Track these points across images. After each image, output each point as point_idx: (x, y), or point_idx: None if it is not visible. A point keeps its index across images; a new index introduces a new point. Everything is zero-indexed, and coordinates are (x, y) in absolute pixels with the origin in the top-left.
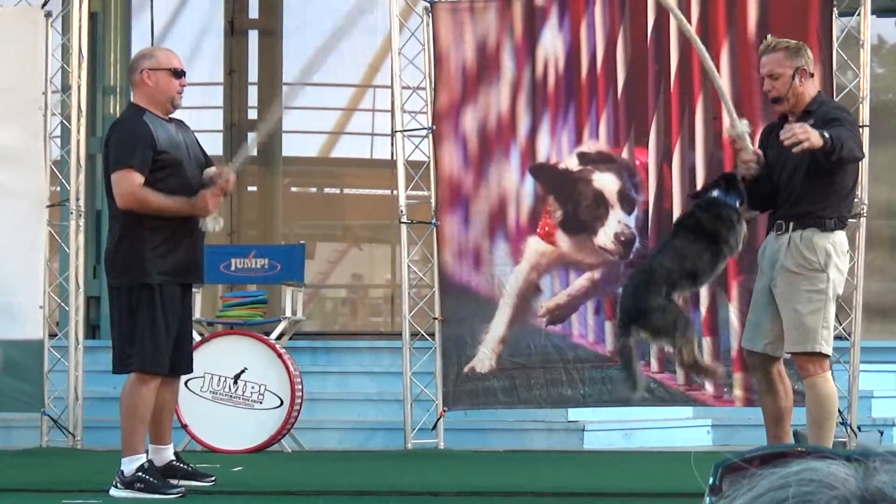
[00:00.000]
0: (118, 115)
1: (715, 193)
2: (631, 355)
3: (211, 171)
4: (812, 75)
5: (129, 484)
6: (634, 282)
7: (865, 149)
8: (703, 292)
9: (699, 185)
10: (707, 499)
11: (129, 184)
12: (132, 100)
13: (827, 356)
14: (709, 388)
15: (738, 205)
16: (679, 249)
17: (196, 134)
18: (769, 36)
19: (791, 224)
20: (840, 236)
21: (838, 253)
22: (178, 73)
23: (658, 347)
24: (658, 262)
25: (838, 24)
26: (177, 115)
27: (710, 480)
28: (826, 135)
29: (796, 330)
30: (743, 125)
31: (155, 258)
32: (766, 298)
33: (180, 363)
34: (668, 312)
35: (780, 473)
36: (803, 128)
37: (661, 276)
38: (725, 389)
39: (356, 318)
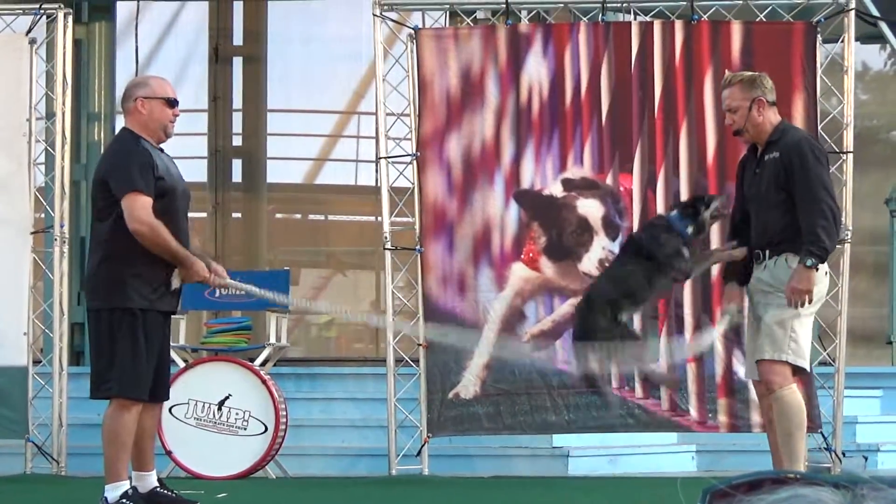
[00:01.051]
0: (103, 141)
1: (672, 214)
2: (595, 378)
3: (197, 246)
4: (773, 104)
5: None
6: (580, 310)
7: (849, 175)
8: (688, 318)
9: None
10: None
11: (144, 209)
12: (125, 126)
13: (793, 367)
14: (693, 413)
15: (688, 231)
16: (616, 273)
17: (180, 160)
18: (727, 72)
19: (767, 252)
20: None
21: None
22: (172, 103)
23: (615, 365)
24: (597, 289)
25: (822, 51)
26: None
27: None
28: (809, 262)
29: (764, 339)
30: (729, 311)
31: (138, 284)
32: (756, 327)
33: (160, 389)
34: (614, 331)
35: (768, 500)
36: (797, 292)
37: (602, 301)
38: (709, 415)
39: (341, 345)
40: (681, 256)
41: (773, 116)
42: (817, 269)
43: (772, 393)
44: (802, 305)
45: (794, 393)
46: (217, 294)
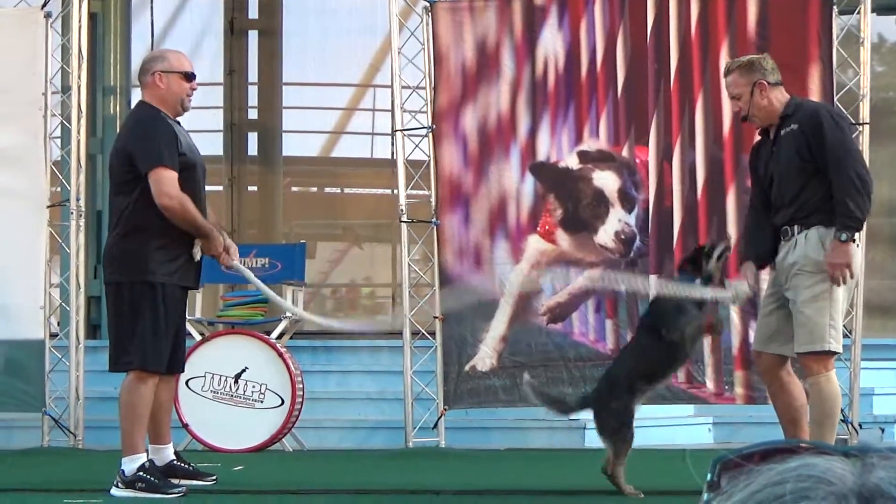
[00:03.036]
0: (118, 115)
1: (678, 278)
2: (568, 410)
3: (214, 220)
4: (777, 83)
5: (130, 483)
6: (599, 386)
7: (865, 146)
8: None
9: (699, 183)
10: (705, 495)
11: (172, 184)
12: (143, 99)
13: (834, 353)
14: (709, 385)
15: (693, 285)
16: (638, 352)
17: (196, 133)
18: (727, 60)
19: (796, 227)
20: None
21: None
22: (190, 76)
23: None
24: (617, 370)
25: (838, 23)
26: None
27: (708, 477)
28: (843, 236)
29: (803, 329)
30: (735, 288)
31: (160, 257)
32: (776, 301)
33: (176, 362)
34: (618, 416)
35: (778, 469)
36: (843, 261)
37: (621, 382)
38: (726, 387)
39: (357, 317)
40: (690, 326)
41: (779, 95)
42: (854, 241)
43: (809, 378)
44: (844, 281)
45: (830, 381)
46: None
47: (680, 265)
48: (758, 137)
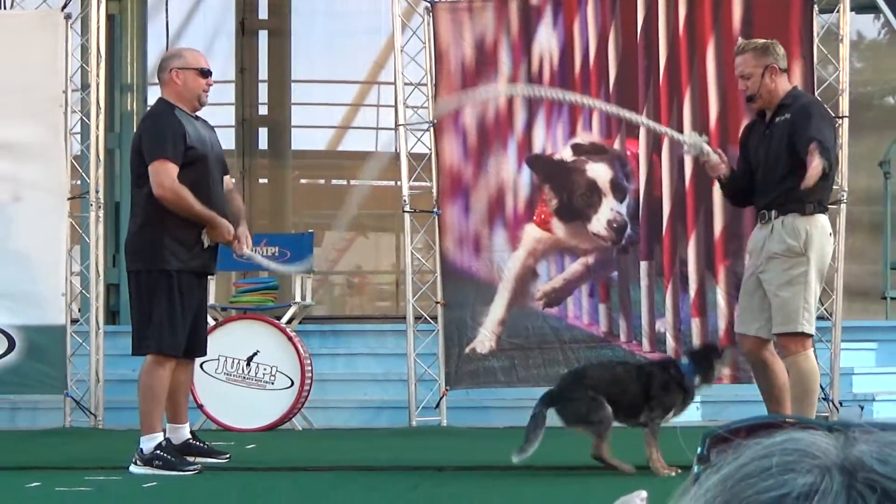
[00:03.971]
0: (135, 111)
1: (684, 363)
2: (538, 422)
3: (239, 207)
4: (784, 71)
5: (147, 461)
6: (566, 379)
7: (845, 139)
8: (692, 276)
9: (687, 173)
10: (695, 468)
11: (168, 175)
12: (161, 96)
13: (809, 335)
14: None
15: (695, 381)
16: (618, 375)
17: None
18: (739, 39)
19: (773, 212)
20: (821, 219)
21: (819, 235)
22: (206, 73)
23: (573, 431)
24: (593, 371)
25: (819, 21)
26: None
27: (699, 451)
28: (826, 162)
29: (780, 312)
30: (693, 138)
31: (174, 246)
32: (755, 284)
33: (195, 346)
34: (583, 403)
35: (765, 444)
36: (817, 169)
37: (588, 380)
38: None
39: (362, 303)
40: (670, 400)
41: (785, 83)
42: (825, 172)
43: (787, 358)
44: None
45: (808, 359)
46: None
47: (691, 354)
48: (751, 118)
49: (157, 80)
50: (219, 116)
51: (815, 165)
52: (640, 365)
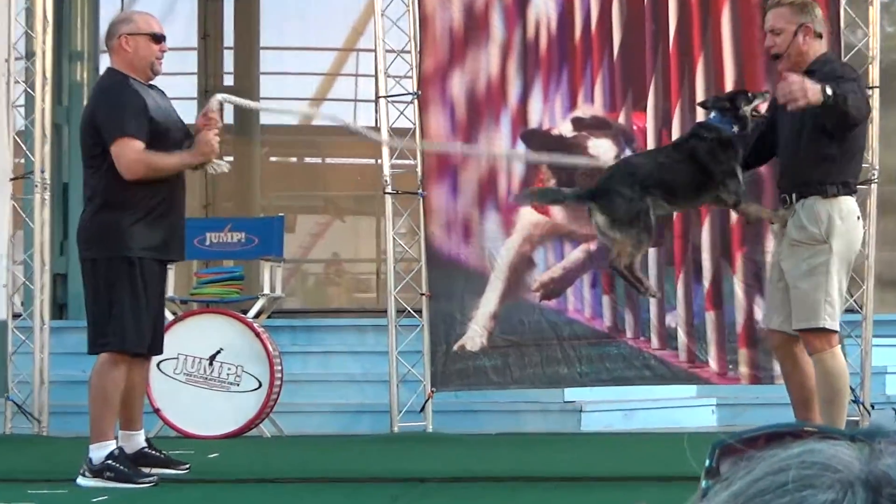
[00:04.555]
0: (86, 82)
1: (712, 116)
2: (619, 269)
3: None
4: (820, 35)
5: (97, 472)
6: (611, 169)
7: (875, 112)
8: (706, 264)
9: None
10: (703, 483)
11: (133, 151)
12: (111, 66)
13: (834, 331)
14: (712, 364)
15: (733, 129)
16: (664, 161)
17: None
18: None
19: (794, 195)
20: (845, 202)
21: (843, 220)
22: (158, 38)
23: (605, 239)
24: (639, 161)
25: None
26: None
27: (707, 463)
28: (828, 90)
29: (800, 305)
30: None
31: (137, 231)
32: (777, 274)
33: (156, 343)
34: (633, 204)
35: (781, 456)
36: (801, 84)
37: (639, 174)
38: (730, 367)
39: (339, 295)
40: (736, 178)
41: (818, 47)
42: (826, 101)
43: (812, 356)
44: (786, 97)
45: (835, 357)
46: (208, 242)
47: (714, 103)
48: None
49: (106, 48)
50: (179, 87)
51: (814, 85)
52: (675, 144)
